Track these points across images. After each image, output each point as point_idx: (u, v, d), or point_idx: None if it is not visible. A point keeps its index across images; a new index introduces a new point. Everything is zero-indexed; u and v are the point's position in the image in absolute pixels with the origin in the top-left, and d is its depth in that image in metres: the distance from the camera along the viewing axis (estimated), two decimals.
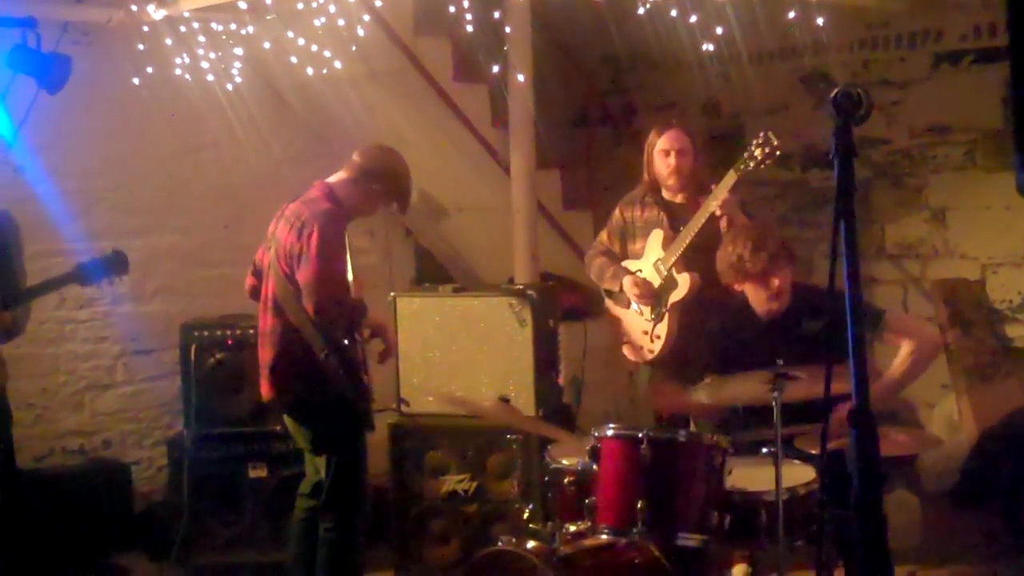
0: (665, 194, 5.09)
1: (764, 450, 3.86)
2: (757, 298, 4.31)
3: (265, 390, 4.40)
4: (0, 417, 4.37)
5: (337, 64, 5.64)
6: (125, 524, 5.71)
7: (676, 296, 4.91)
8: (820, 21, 4.94)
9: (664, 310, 4.95)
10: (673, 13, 4.86)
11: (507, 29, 5.31)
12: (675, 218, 4.99)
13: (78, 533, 5.43)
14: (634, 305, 5.07)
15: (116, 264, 4.10)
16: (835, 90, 2.23)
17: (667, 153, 4.99)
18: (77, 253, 5.15)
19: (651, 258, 5.01)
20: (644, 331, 5.04)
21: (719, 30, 5.03)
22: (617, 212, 5.23)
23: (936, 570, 4.89)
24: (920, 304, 6.49)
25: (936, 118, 6.37)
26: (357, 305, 4.35)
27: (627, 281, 5.02)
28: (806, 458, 3.92)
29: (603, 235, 5.32)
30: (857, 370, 2.07)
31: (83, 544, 5.46)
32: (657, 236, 4.99)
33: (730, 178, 4.68)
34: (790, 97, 6.87)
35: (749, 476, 3.75)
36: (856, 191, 2.16)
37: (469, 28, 5.06)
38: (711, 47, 5.03)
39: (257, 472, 5.35)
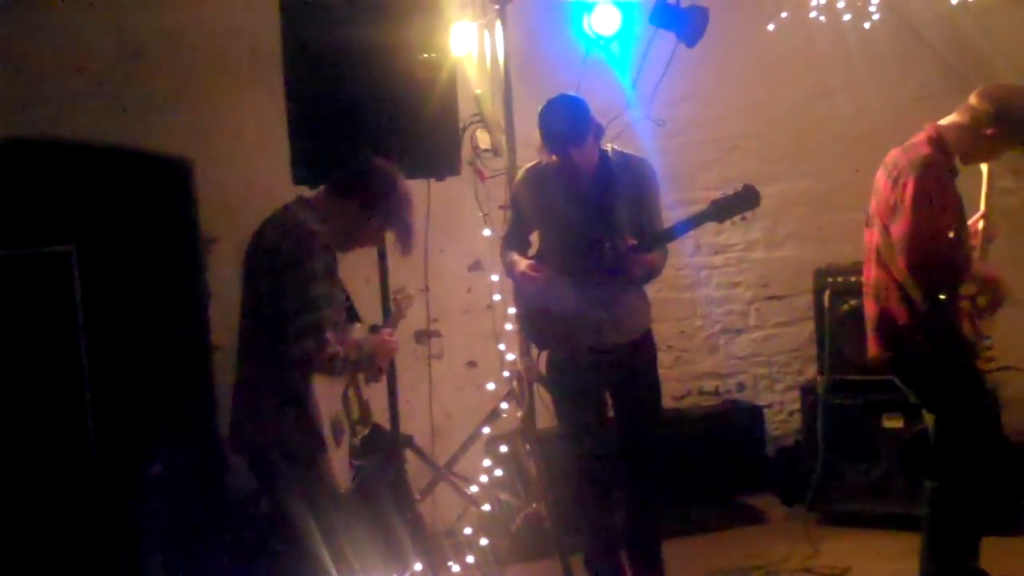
0: None
1: None
2: None
3: (871, 345, 4.23)
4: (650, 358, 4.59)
5: None
6: (758, 466, 5.83)
7: None
8: None
9: None
10: None
11: None
12: None
13: (712, 471, 5.64)
14: None
15: (748, 199, 4.13)
16: None
17: None
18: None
19: None
20: None
21: None
22: None
23: None
24: None
25: None
26: (958, 259, 4.00)
27: None
28: None
29: None
30: None
31: (717, 482, 5.66)
32: None
33: None
34: None
35: None
36: None
37: None
38: None
39: (892, 422, 5.20)
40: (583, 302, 4.22)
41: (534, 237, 4.48)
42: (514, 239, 4.47)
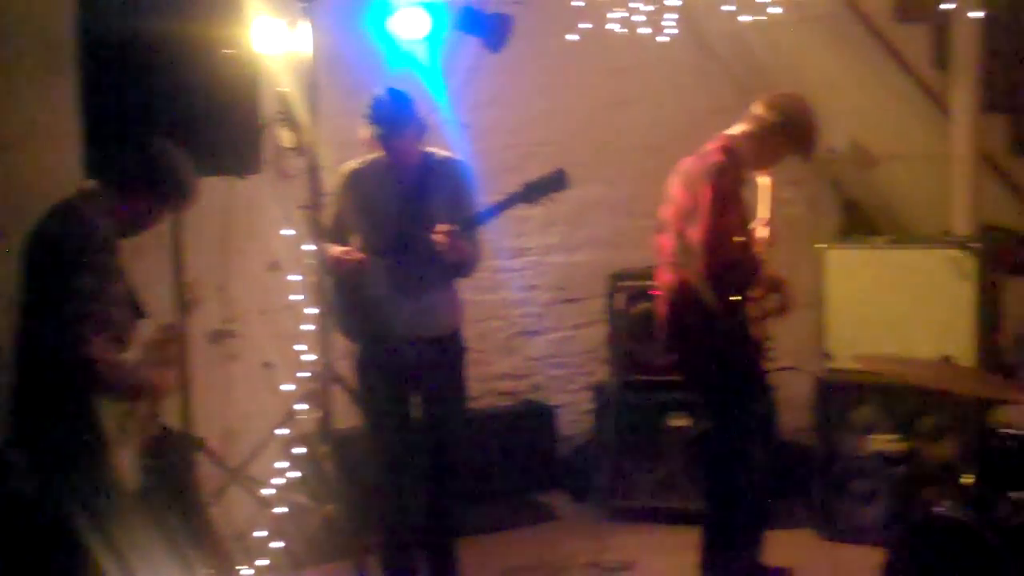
0: None
1: None
2: None
3: (662, 347, 4.42)
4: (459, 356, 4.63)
5: (773, 10, 5.51)
6: (551, 464, 5.97)
7: None
8: None
9: None
10: None
11: None
12: None
13: (507, 471, 5.75)
14: None
15: (558, 181, 4.24)
16: None
17: None
18: None
19: None
20: None
21: None
22: None
23: None
24: None
25: None
26: (749, 263, 4.24)
27: None
28: None
29: None
30: None
31: (511, 481, 5.77)
32: None
33: None
34: None
35: None
36: None
37: None
38: None
39: (679, 421, 5.41)
40: (396, 289, 4.25)
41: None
42: (334, 235, 4.46)
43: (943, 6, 4.95)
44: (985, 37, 5.23)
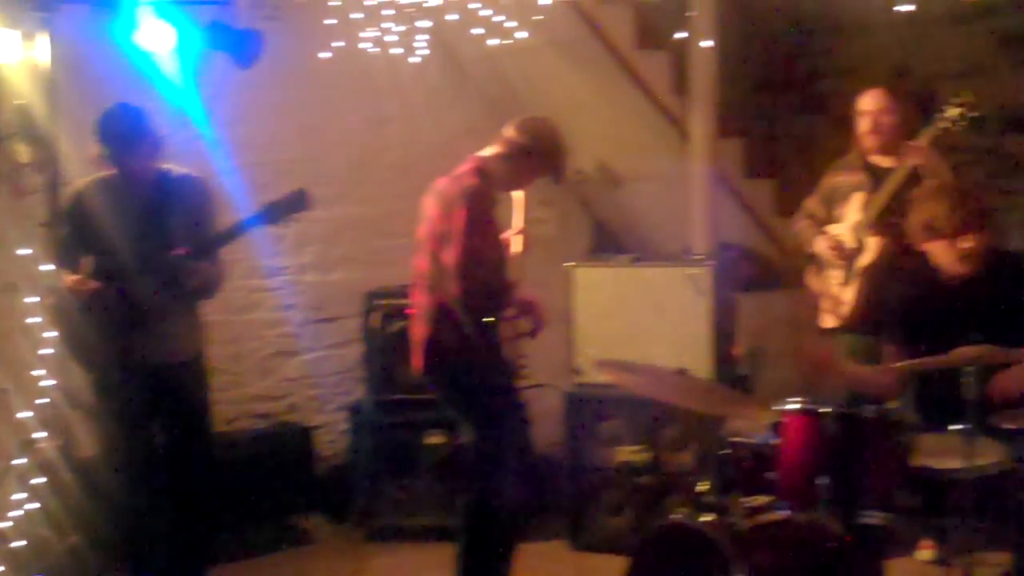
0: (872, 158, 4.95)
1: (954, 426, 3.70)
2: (945, 260, 4.12)
3: (418, 365, 4.44)
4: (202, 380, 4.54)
5: (519, 35, 5.65)
6: (308, 486, 5.90)
7: (864, 260, 4.78)
8: None
9: (854, 274, 4.83)
10: None
11: None
12: (878, 181, 4.86)
13: (264, 494, 5.65)
14: (831, 268, 4.99)
15: (299, 201, 4.20)
16: None
17: (866, 113, 4.89)
18: None
19: (850, 221, 4.90)
20: (835, 294, 4.94)
21: None
22: (827, 177, 5.13)
23: None
24: None
25: None
26: (502, 285, 4.34)
27: (820, 240, 4.94)
28: (998, 435, 3.74)
29: (811, 200, 5.22)
30: None
31: (267, 505, 5.67)
32: (858, 199, 4.89)
33: (924, 136, 4.56)
34: (986, 59, 6.53)
35: (938, 453, 3.61)
36: None
37: None
38: (904, 8, 4.82)
39: (434, 439, 5.45)
40: (131, 316, 4.11)
41: None
42: (65, 258, 4.27)
43: (677, 35, 5.20)
44: (719, 65, 5.52)
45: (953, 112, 4.46)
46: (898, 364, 3.94)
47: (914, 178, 4.66)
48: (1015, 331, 3.78)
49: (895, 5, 4.80)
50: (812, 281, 5.15)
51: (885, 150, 4.90)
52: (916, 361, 3.82)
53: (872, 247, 4.77)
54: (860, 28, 6.95)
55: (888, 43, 6.62)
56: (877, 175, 4.90)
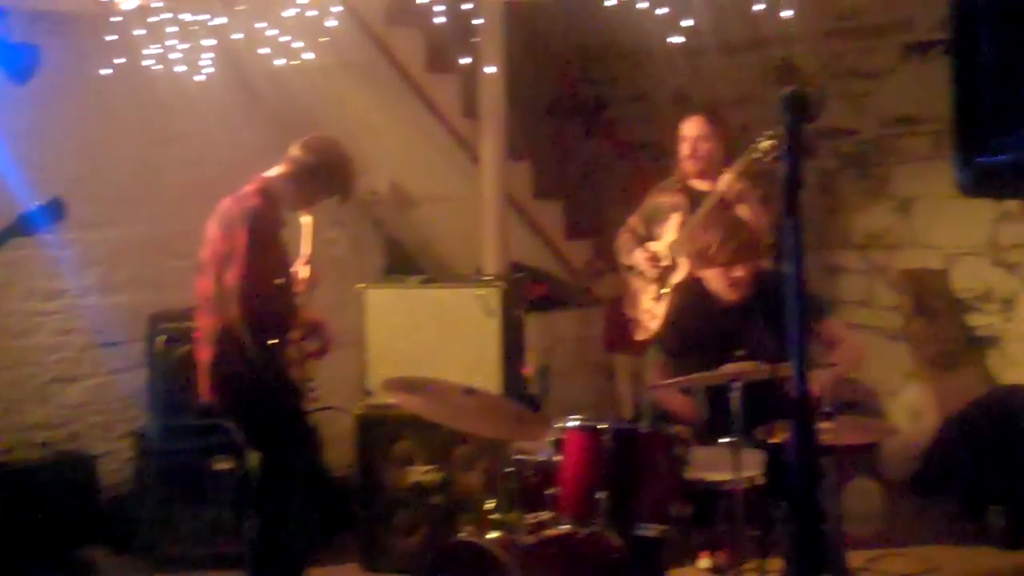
0: (691, 182, 5.14)
1: (723, 440, 3.89)
2: (719, 286, 4.35)
3: (204, 389, 4.38)
4: None
5: (307, 55, 5.63)
6: (91, 517, 5.69)
7: (676, 278, 4.98)
8: (787, 13, 4.94)
9: (665, 291, 5.02)
10: (643, 5, 4.85)
11: (479, 20, 5.31)
12: (696, 203, 5.05)
13: (43, 527, 5.41)
14: (647, 283, 5.16)
15: (56, 210, 4.06)
16: (786, 90, 2.25)
17: (686, 139, 5.08)
18: (46, 244, 5.16)
19: (667, 240, 5.09)
20: (647, 309, 5.12)
21: (688, 22, 5.04)
22: (649, 197, 5.30)
23: (898, 556, 4.93)
24: (883, 293, 6.53)
25: (904, 109, 6.40)
26: (288, 306, 4.32)
27: (637, 252, 5.11)
28: (765, 447, 3.95)
29: (633, 218, 5.38)
30: (798, 363, 2.09)
31: (49, 538, 5.44)
32: (675, 219, 5.07)
33: (736, 166, 4.79)
34: (760, 88, 6.89)
35: (710, 466, 3.78)
36: (802, 188, 2.19)
37: (441, 19, 5.05)
38: (679, 39, 5.04)
39: (222, 464, 5.35)
40: None
41: None
42: None
43: (463, 60, 5.29)
44: (508, 89, 5.65)
45: (764, 144, 4.67)
46: (668, 381, 4.12)
47: (726, 204, 4.86)
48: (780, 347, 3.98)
49: (669, 36, 5.01)
50: (627, 295, 5.30)
51: (703, 175, 5.10)
52: (685, 379, 4.01)
53: (684, 266, 4.96)
54: (642, 56, 7.23)
55: (667, 71, 6.90)
56: (694, 198, 5.09)
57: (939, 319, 6.25)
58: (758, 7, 5.13)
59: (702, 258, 4.35)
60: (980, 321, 6.25)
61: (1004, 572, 4.92)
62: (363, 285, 5.21)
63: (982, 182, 1.11)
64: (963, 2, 1.10)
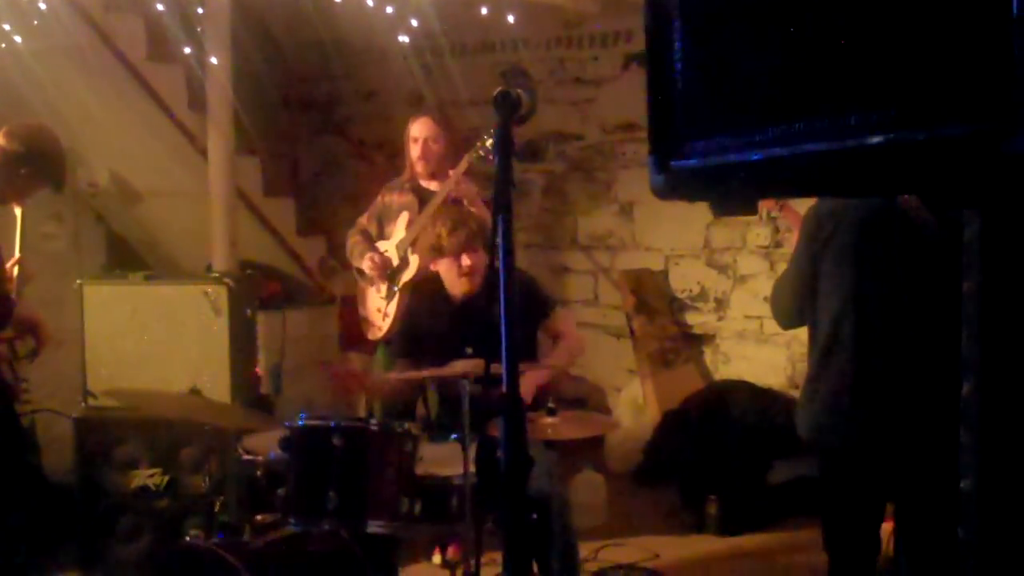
0: (420, 181, 5.17)
1: (454, 436, 3.95)
2: (450, 277, 4.40)
3: None
4: None
5: (17, 39, 5.33)
6: None
7: (406, 276, 5.01)
8: (511, 18, 5.09)
9: (396, 289, 5.04)
10: (370, 3, 4.87)
11: (200, 10, 5.18)
12: (425, 203, 5.08)
13: None
14: (378, 282, 5.16)
15: None
16: (496, 90, 2.32)
17: (416, 140, 5.11)
18: None
19: (396, 239, 5.10)
20: (378, 308, 5.12)
21: (416, 22, 5.10)
22: (379, 196, 5.29)
23: (621, 546, 5.15)
24: (609, 292, 6.82)
25: (626, 116, 6.70)
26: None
27: (365, 258, 5.09)
28: (495, 442, 4.03)
29: (363, 217, 5.35)
30: (508, 357, 2.16)
31: None
32: (404, 218, 5.12)
33: (461, 166, 4.86)
34: (492, 91, 7.01)
35: (441, 461, 3.82)
36: (515, 188, 2.25)
37: (160, 7, 4.90)
38: (407, 39, 5.09)
39: None
40: None
41: None
42: None
43: (187, 50, 5.15)
44: (235, 82, 5.53)
45: (488, 143, 4.76)
46: (399, 375, 4.16)
47: (453, 200, 4.94)
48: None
49: (401, 36, 5.06)
50: (358, 294, 5.29)
51: (432, 175, 5.15)
52: (413, 374, 4.06)
53: (414, 264, 5.00)
54: (376, 55, 7.26)
55: (403, 71, 6.96)
56: (423, 197, 5.13)
57: (658, 317, 6.58)
58: (483, 11, 5.26)
59: (433, 249, 4.40)
60: (696, 319, 6.62)
61: (720, 557, 5.22)
62: (81, 281, 4.97)
63: (674, 186, 1.18)
64: (657, 13, 1.18)
